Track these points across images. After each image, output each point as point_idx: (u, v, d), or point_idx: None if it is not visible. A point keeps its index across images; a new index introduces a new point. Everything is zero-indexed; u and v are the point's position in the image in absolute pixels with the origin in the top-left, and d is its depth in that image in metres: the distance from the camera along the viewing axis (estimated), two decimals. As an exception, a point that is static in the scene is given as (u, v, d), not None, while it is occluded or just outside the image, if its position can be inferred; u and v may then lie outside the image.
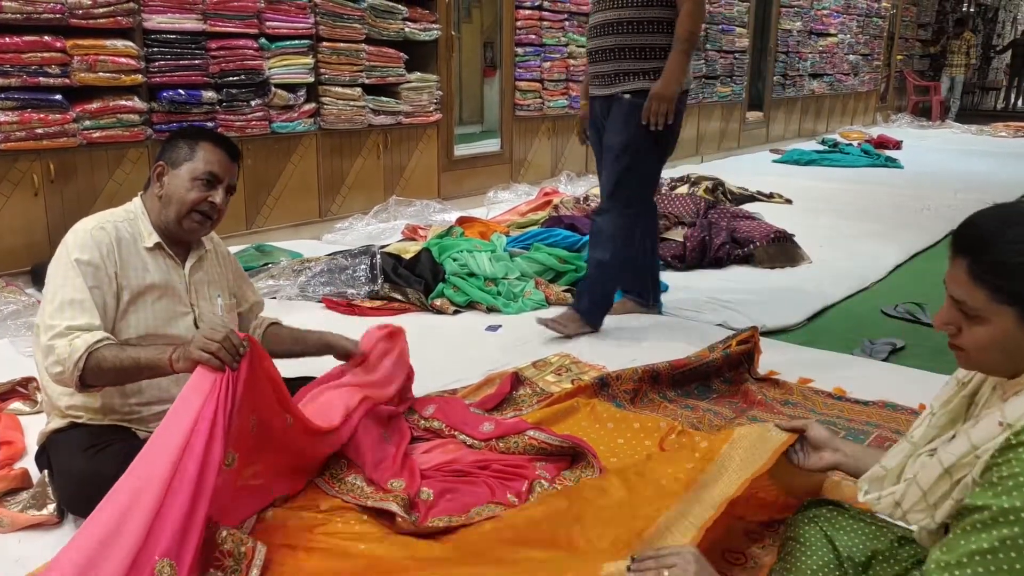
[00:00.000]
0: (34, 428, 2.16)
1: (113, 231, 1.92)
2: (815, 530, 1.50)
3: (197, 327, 2.01)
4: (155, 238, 1.97)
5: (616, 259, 3.12)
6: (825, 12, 10.84)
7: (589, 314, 3.17)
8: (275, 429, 1.80)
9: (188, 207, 1.94)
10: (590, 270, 3.20)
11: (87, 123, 3.79)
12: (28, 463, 2.06)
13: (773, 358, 2.90)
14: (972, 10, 16.75)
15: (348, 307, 3.48)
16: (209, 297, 2.08)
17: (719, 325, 3.37)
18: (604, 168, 3.11)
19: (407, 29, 5.20)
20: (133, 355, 1.76)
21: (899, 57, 13.92)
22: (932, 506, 1.20)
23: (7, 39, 3.50)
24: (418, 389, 2.60)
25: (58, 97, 3.68)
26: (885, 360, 3.06)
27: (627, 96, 2.99)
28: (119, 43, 3.83)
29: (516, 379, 2.64)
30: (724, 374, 2.67)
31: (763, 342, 2.90)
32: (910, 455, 1.32)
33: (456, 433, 2.14)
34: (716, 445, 1.83)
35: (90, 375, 1.77)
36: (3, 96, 3.54)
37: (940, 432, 1.30)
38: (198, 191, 1.95)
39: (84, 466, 1.77)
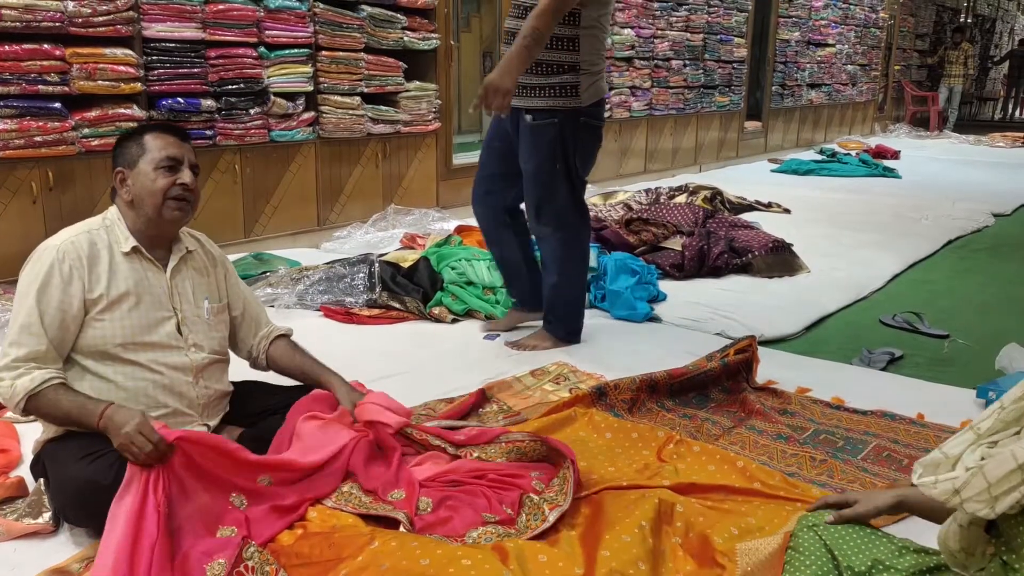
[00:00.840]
0: (30, 436, 2.15)
1: (84, 243, 1.90)
2: (813, 538, 1.50)
3: (180, 332, 2.00)
4: (131, 242, 1.95)
5: (567, 278, 3.10)
6: (823, 23, 10.88)
7: (557, 331, 3.17)
8: (250, 494, 1.84)
9: (161, 196, 1.93)
10: (547, 296, 3.17)
11: (86, 131, 3.79)
12: (24, 471, 2.05)
13: (771, 367, 2.90)
14: (970, 21, 16.83)
15: (346, 316, 3.48)
16: (194, 300, 2.05)
17: (717, 334, 3.37)
18: (525, 189, 3.07)
19: (406, 38, 5.21)
20: (66, 407, 1.80)
21: (897, 67, 13.97)
22: (994, 498, 1.20)
23: (6, 47, 3.50)
24: (416, 398, 2.61)
25: (57, 105, 3.68)
26: (883, 369, 3.05)
27: (528, 117, 2.91)
28: (118, 51, 3.83)
29: (483, 396, 2.63)
30: (722, 383, 2.66)
31: (761, 351, 2.90)
32: (972, 443, 1.31)
33: (431, 438, 2.13)
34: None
35: (32, 412, 1.83)
36: (2, 104, 3.54)
37: (1005, 427, 1.30)
38: (164, 177, 1.93)
39: (79, 475, 1.76)
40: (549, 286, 3.15)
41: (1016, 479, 1.18)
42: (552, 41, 2.83)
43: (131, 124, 3.90)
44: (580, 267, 3.16)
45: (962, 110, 15.06)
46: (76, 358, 1.90)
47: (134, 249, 1.95)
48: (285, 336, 2.28)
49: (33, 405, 1.80)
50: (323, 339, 3.24)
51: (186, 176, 1.96)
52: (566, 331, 3.18)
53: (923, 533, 1.59)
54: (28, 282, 1.86)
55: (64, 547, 1.79)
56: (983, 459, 1.24)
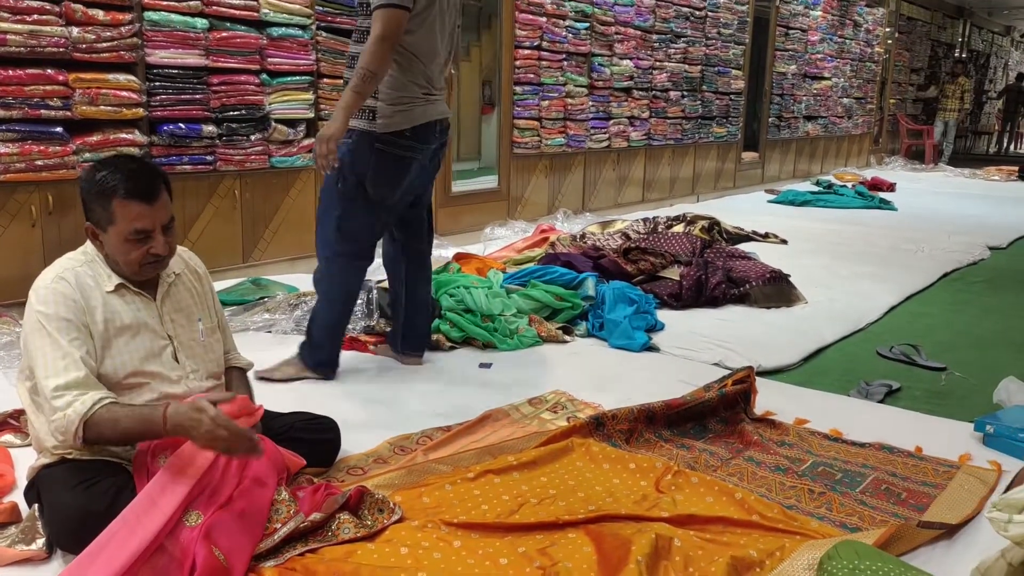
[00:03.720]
0: (24, 461, 2.14)
1: (73, 279, 1.87)
2: None
3: (177, 360, 1.99)
4: (115, 280, 1.92)
5: (320, 304, 3.03)
6: (819, 56, 10.99)
7: (306, 358, 3.05)
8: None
9: (136, 265, 1.90)
10: (309, 320, 3.10)
11: (87, 155, 3.80)
12: (18, 497, 2.03)
13: (769, 398, 2.89)
14: (964, 55, 17.01)
15: (345, 343, 3.46)
16: (187, 324, 2.03)
17: (715, 364, 3.37)
18: None
19: (407, 67, 5.24)
20: (124, 423, 1.76)
21: (892, 101, 14.09)
22: None
23: (10, 72, 3.53)
24: (414, 426, 2.60)
25: (59, 129, 3.70)
26: (881, 402, 3.05)
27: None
28: (121, 77, 3.86)
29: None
30: (720, 414, 2.66)
31: (759, 382, 2.89)
32: None
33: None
34: None
35: (91, 439, 1.77)
36: (4, 128, 3.56)
37: None
38: (135, 248, 1.88)
39: (74, 501, 1.74)
40: (312, 308, 3.10)
41: None
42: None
43: (132, 149, 3.92)
44: (337, 294, 3.04)
45: (957, 143, 15.15)
46: None
47: (119, 286, 1.93)
48: (240, 370, 2.24)
49: (91, 430, 1.74)
50: (320, 365, 3.24)
51: (158, 246, 1.90)
52: (314, 361, 3.05)
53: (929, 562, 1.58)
54: (36, 319, 1.82)
55: (57, 574, 1.77)
56: None
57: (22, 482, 2.04)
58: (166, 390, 1.95)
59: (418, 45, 2.83)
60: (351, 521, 1.91)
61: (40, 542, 1.82)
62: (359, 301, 3.71)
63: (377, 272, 4.66)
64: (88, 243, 1.97)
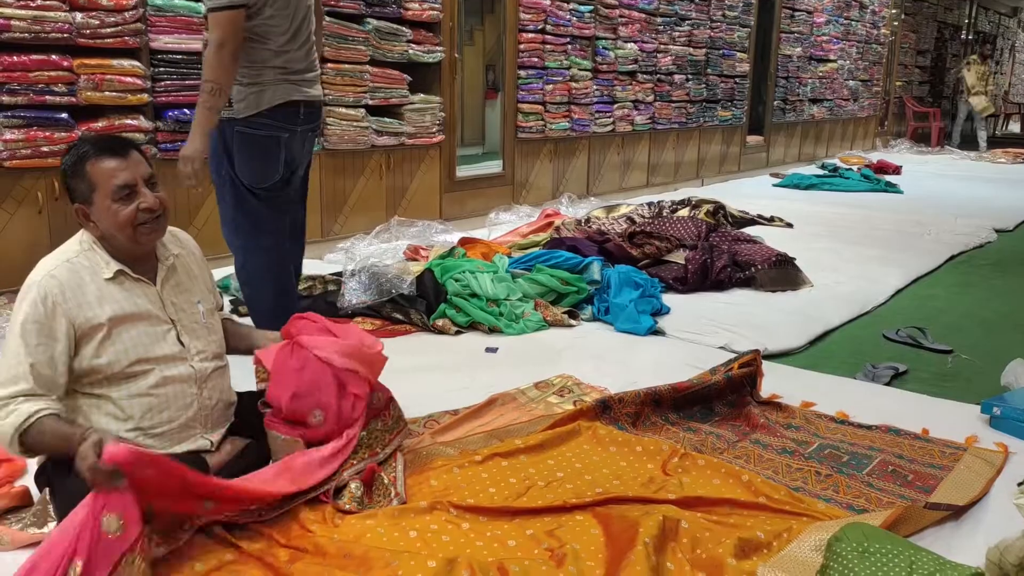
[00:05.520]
0: (35, 446, 2.15)
1: (66, 274, 1.84)
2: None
3: (181, 342, 1.98)
4: (114, 267, 1.89)
5: (253, 289, 3.07)
6: (825, 39, 10.93)
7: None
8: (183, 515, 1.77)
9: (130, 226, 1.86)
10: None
11: (92, 141, 3.80)
12: (28, 481, 2.05)
13: (775, 381, 2.89)
14: (971, 37, 16.88)
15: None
16: (187, 306, 2.03)
17: (721, 348, 3.37)
18: None
19: (411, 51, 5.23)
20: (48, 439, 1.72)
21: (898, 83, 14.00)
22: None
23: (15, 58, 3.53)
24: (420, 410, 2.61)
25: (64, 115, 3.70)
26: (888, 384, 3.05)
27: None
28: (126, 63, 3.86)
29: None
30: (726, 397, 2.66)
31: (765, 365, 2.90)
32: None
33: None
34: None
35: (29, 448, 1.75)
36: (9, 114, 3.56)
37: None
38: (124, 207, 1.85)
39: (86, 488, 1.75)
40: (244, 296, 3.12)
41: None
42: None
43: (137, 135, 3.92)
44: (262, 276, 3.04)
45: (965, 126, 14.92)
46: (88, 389, 1.88)
47: (118, 273, 1.90)
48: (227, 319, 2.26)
49: (25, 442, 1.72)
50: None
51: (147, 199, 1.87)
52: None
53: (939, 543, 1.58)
54: (14, 320, 1.80)
55: (69, 557, 1.78)
56: None
57: (33, 466, 2.05)
58: (171, 373, 1.95)
59: (266, 28, 2.81)
60: (352, 495, 1.97)
61: (51, 526, 1.83)
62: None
63: (386, 256, 4.67)
64: (84, 232, 1.94)
